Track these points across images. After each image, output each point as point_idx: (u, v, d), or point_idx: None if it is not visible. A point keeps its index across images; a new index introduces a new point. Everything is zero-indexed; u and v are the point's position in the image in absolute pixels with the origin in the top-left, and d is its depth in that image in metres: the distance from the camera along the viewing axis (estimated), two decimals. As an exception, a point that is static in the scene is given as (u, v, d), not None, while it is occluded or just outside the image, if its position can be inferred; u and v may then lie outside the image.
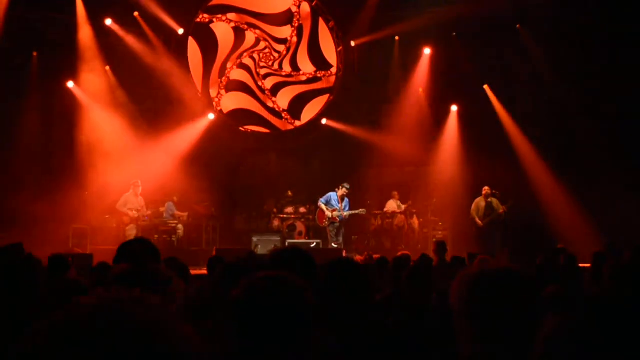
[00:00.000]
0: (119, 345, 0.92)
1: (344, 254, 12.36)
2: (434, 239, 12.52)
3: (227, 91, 16.46)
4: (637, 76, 13.36)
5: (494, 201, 13.40)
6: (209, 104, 16.24)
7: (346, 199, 13.95)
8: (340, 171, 15.08)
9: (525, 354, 1.71)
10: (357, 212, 14.07)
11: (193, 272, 5.85)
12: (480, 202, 13.49)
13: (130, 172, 13.76)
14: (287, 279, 1.98)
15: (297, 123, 16.71)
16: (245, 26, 16.36)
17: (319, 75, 16.71)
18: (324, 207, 13.91)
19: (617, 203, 13.16)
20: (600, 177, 13.79)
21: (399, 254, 7.79)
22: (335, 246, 13.47)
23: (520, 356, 1.76)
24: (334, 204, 13.87)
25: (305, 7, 16.48)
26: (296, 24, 16.53)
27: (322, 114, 16.60)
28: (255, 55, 16.55)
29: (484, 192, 13.43)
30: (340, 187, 13.90)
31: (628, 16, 13.09)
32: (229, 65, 16.40)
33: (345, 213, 13.85)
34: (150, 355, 0.93)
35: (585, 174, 14.05)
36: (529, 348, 1.68)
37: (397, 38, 16.02)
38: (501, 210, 13.24)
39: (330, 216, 13.82)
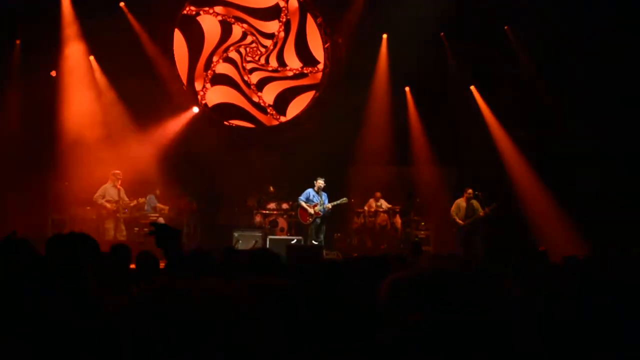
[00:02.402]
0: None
1: (323, 252, 12.32)
2: (415, 239, 12.47)
3: (212, 85, 16.34)
4: (623, 79, 13.36)
5: (475, 203, 13.36)
6: (194, 97, 16.13)
7: (324, 193, 13.81)
8: (323, 168, 14.98)
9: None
10: (338, 202, 13.88)
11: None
12: (461, 203, 13.45)
13: (113, 164, 13.64)
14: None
15: (283, 119, 16.62)
16: (233, 20, 16.24)
17: (305, 71, 16.61)
18: (304, 204, 13.76)
19: (602, 207, 13.17)
20: (584, 181, 13.80)
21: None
22: (316, 243, 13.38)
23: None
24: (314, 199, 13.75)
25: (294, 3, 16.37)
26: (284, 19, 16.42)
27: (307, 110, 16.53)
28: (242, 50, 16.43)
29: (466, 194, 13.39)
30: (316, 182, 13.78)
31: (616, 19, 13.09)
32: (214, 58, 16.27)
33: (328, 205, 13.72)
34: None
35: (570, 177, 14.05)
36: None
37: (384, 36, 15.98)
38: (482, 213, 13.20)
39: (313, 212, 13.68)
